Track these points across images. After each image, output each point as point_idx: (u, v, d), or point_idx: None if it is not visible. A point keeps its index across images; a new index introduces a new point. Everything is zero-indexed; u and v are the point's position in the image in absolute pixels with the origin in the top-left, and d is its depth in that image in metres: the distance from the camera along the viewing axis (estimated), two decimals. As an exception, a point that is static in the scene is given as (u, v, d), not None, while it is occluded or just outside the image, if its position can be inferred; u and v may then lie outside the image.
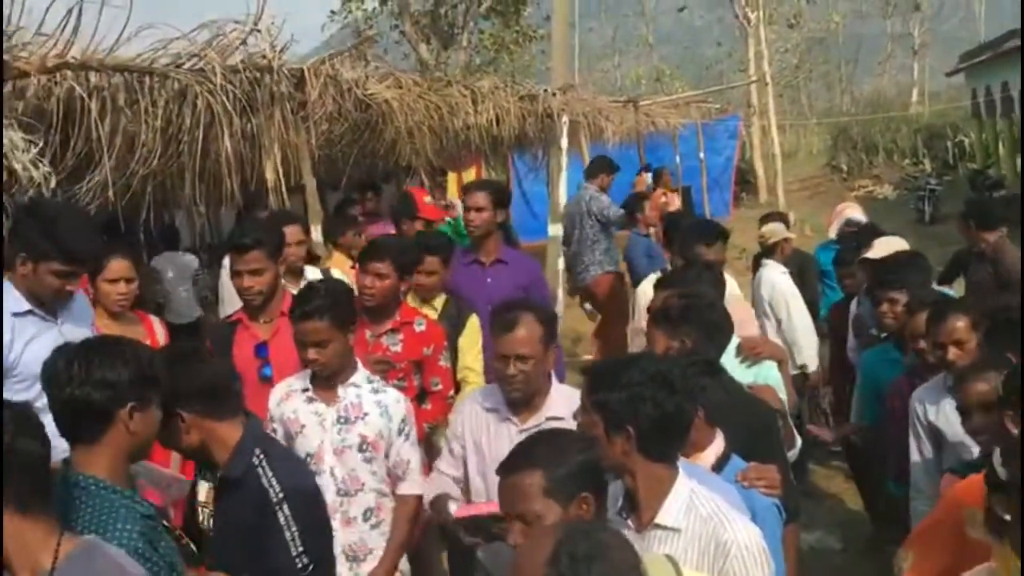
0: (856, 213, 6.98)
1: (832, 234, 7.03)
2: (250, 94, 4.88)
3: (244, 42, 4.81)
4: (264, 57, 4.93)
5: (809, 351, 5.92)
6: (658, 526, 2.30)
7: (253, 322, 3.89)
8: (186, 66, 4.56)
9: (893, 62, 42.50)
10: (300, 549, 2.59)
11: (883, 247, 5.14)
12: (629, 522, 2.34)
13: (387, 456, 3.40)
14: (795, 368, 5.84)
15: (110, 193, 4.09)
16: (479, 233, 4.99)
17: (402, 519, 3.41)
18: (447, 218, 8.13)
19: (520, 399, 3.17)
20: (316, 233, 5.59)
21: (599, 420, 2.31)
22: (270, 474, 2.60)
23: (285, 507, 2.59)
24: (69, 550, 1.96)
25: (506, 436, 3.14)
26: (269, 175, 5.04)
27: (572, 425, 2.57)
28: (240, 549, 2.58)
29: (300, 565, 2.60)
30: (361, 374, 3.44)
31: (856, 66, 44.24)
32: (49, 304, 3.39)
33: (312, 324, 3.29)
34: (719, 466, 2.77)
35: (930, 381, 3.63)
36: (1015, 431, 2.67)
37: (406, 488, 3.41)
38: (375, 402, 3.38)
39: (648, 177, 10.34)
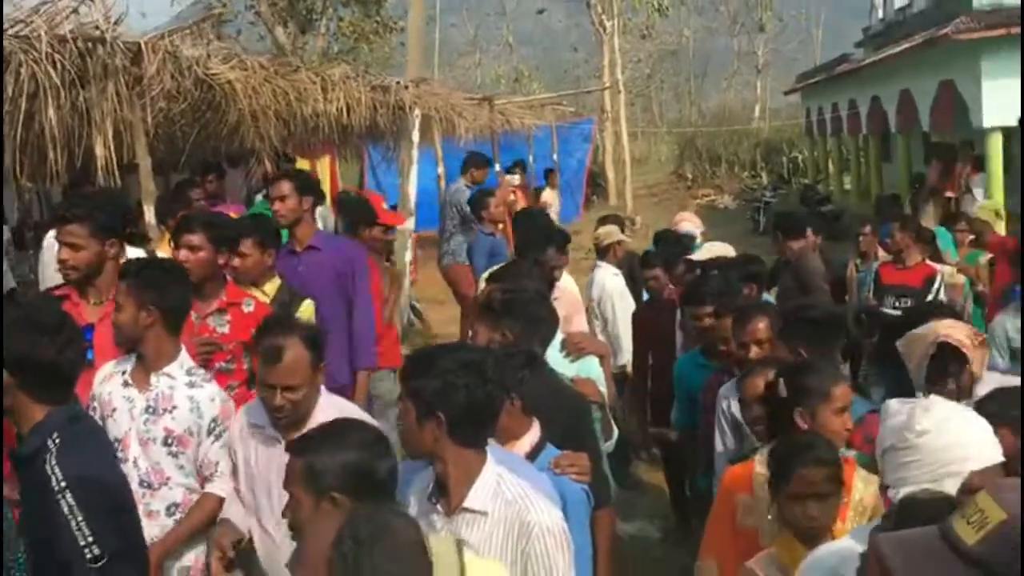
0: (691, 227, 7.26)
1: None
2: (80, 66, 4.69)
3: (76, 11, 4.62)
4: (97, 28, 4.75)
5: (630, 351, 6.18)
6: (466, 510, 2.38)
7: (82, 300, 3.69)
8: (10, 32, 4.35)
9: (739, 78, 44.55)
10: (89, 539, 2.49)
11: (708, 251, 5.43)
12: (439, 507, 2.41)
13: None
14: (616, 367, 6.09)
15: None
16: (286, 222, 4.92)
17: (195, 510, 3.29)
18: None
19: (287, 424, 3.08)
20: (149, 214, 5.42)
21: (411, 407, 2.37)
22: (54, 461, 2.51)
23: (68, 496, 2.49)
24: None
25: (273, 457, 3.04)
26: (99, 151, 4.86)
27: None
28: (32, 535, 2.51)
29: (90, 556, 2.50)
30: (179, 365, 3.32)
31: (704, 80, 46.18)
32: None
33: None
34: (534, 454, 2.88)
35: (734, 379, 3.89)
36: (805, 426, 2.91)
37: (213, 488, 3.29)
38: (188, 396, 3.27)
39: (514, 179, 10.51)
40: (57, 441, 2.54)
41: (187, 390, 3.29)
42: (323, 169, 10.45)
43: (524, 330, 3.22)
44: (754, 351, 3.62)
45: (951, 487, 2.00)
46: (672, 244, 6.35)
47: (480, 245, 7.71)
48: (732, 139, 28.39)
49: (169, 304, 3.30)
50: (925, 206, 12.73)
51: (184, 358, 3.36)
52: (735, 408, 3.80)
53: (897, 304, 6.21)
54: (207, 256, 3.99)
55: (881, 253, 6.97)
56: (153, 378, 3.29)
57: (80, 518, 2.49)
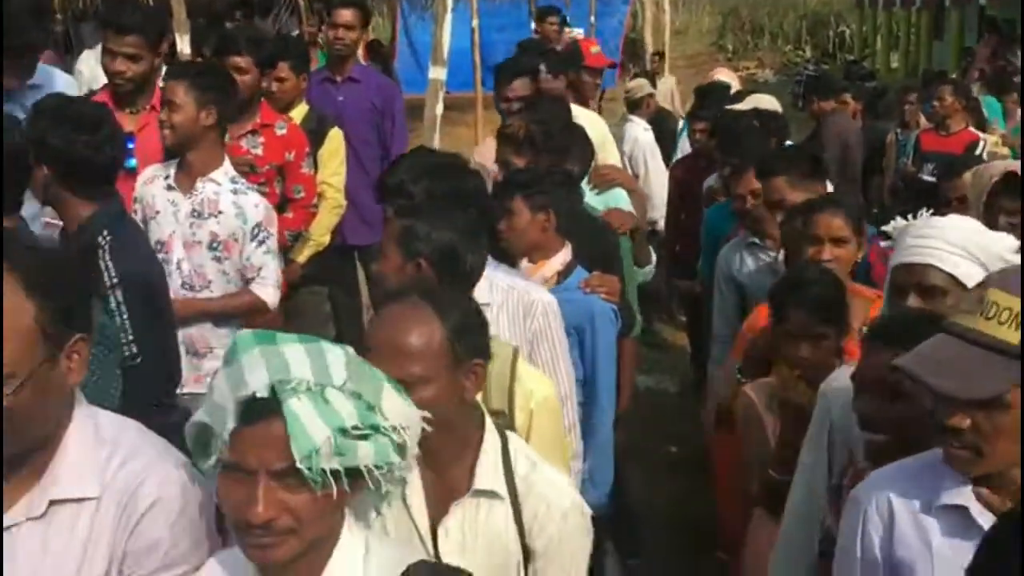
0: (726, 77, 7.11)
1: None
2: None
3: None
4: None
5: (662, 208, 6.12)
6: None
7: (118, 110, 3.63)
8: None
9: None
10: (130, 338, 2.58)
11: (752, 102, 5.28)
12: None
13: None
14: (648, 222, 6.05)
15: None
16: (348, 52, 4.87)
17: (233, 296, 3.35)
18: None
19: None
20: (182, 43, 5.35)
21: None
22: (108, 257, 2.58)
23: (118, 292, 2.58)
24: None
25: None
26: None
27: None
28: None
29: (128, 354, 2.59)
30: (224, 172, 3.36)
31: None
32: None
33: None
34: (566, 273, 2.94)
35: (735, 238, 3.82)
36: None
37: (254, 288, 3.37)
38: (232, 202, 3.32)
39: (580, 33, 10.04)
40: (108, 238, 2.60)
41: (232, 196, 3.33)
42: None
43: (558, 156, 3.20)
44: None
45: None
46: (719, 94, 6.14)
47: None
48: (777, 10, 27.38)
49: (226, 108, 3.32)
50: (971, 83, 12.31)
51: (228, 167, 3.40)
52: (735, 266, 3.68)
53: (935, 172, 6.09)
54: (252, 78, 3.98)
55: (923, 121, 6.81)
56: (199, 183, 3.33)
57: (125, 315, 2.58)
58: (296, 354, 1.36)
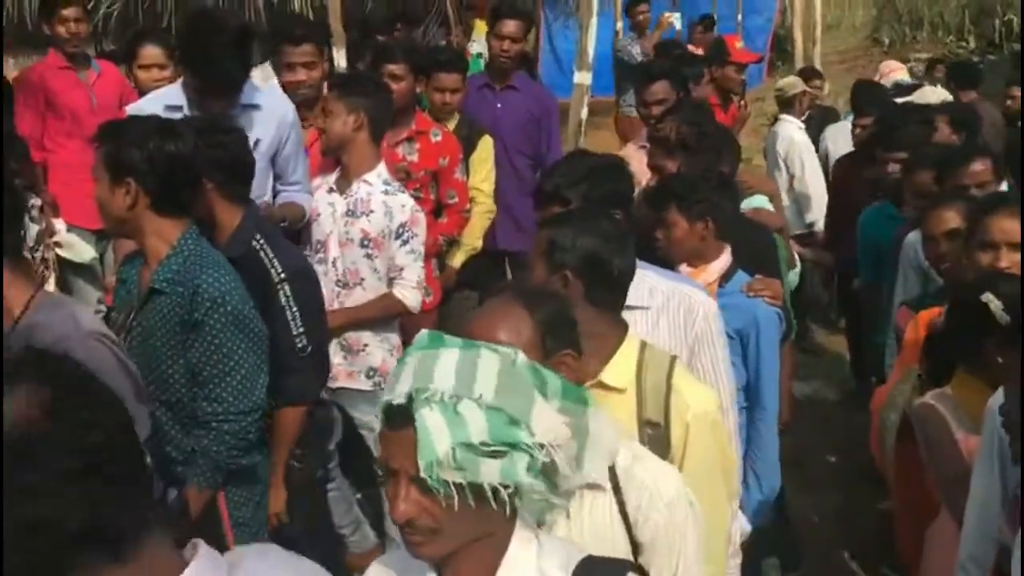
0: (903, 76, 6.83)
1: None
2: None
3: None
4: None
5: (820, 209, 5.91)
6: None
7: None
8: None
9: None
10: (300, 330, 2.71)
11: (925, 95, 5.06)
12: None
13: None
14: (803, 227, 5.85)
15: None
16: (512, 64, 4.92)
17: (376, 301, 3.43)
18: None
19: None
20: (339, 57, 5.54)
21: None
22: (271, 254, 2.71)
23: (287, 287, 2.70)
24: (40, 300, 2.10)
25: None
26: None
27: None
28: None
29: (300, 345, 2.72)
30: (377, 174, 3.47)
31: (911, -65, 42.14)
32: None
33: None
34: (727, 278, 2.89)
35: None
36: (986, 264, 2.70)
37: (395, 290, 3.45)
38: (383, 201, 3.43)
39: (675, 19, 9.86)
40: (261, 240, 2.71)
41: (382, 196, 3.44)
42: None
43: (712, 157, 3.14)
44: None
45: None
46: (881, 90, 5.90)
47: None
48: None
49: (374, 111, 3.44)
50: None
51: (382, 169, 3.50)
52: (922, 256, 3.57)
53: None
54: (408, 85, 4.08)
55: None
56: (354, 184, 3.45)
57: (295, 309, 2.68)
58: (447, 362, 1.38)
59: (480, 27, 11.09)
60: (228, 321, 2.43)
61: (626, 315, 2.21)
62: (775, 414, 2.91)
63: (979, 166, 3.45)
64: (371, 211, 3.42)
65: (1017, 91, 6.65)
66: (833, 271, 5.79)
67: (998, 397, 2.12)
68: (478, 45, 7.50)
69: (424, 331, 1.46)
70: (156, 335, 2.44)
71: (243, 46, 3.11)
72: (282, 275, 2.70)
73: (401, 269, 3.43)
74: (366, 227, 3.42)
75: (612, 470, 1.77)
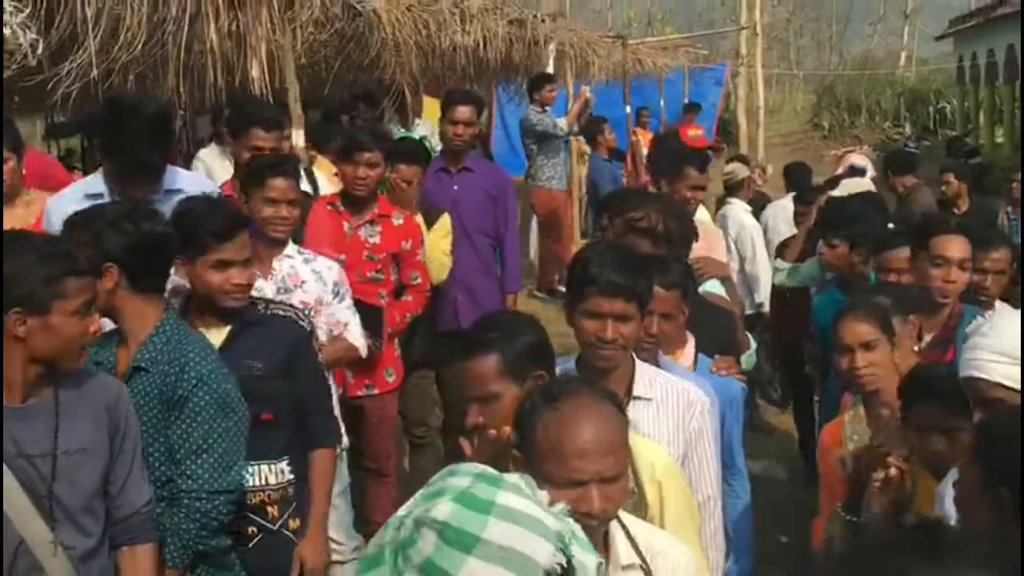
0: (860, 160, 7.09)
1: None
2: (237, -12, 4.86)
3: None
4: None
5: (767, 290, 6.07)
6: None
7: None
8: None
9: (884, 25, 42.28)
10: (325, 374, 3.00)
11: (848, 187, 5.26)
12: None
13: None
14: (753, 307, 5.99)
15: (93, 74, 4.10)
16: (465, 147, 5.04)
17: (330, 344, 3.57)
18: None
19: None
20: (298, 138, 5.60)
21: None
22: (295, 316, 2.99)
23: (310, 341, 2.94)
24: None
25: None
26: (255, 72, 5.04)
27: None
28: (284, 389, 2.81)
29: (328, 385, 3.00)
30: (291, 246, 3.61)
31: (847, 26, 44.01)
32: None
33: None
34: (696, 363, 2.99)
35: None
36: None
37: (346, 335, 3.62)
38: (310, 270, 3.56)
39: (589, 92, 10.09)
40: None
41: (305, 265, 3.58)
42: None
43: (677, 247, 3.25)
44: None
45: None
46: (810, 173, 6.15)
47: (601, 171, 7.71)
48: (874, 87, 27.08)
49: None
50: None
51: (290, 243, 3.65)
52: None
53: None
54: (381, 171, 4.21)
55: (1034, 201, 6.62)
56: (275, 263, 3.55)
57: (319, 359, 2.96)
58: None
59: (431, 105, 11.32)
60: (211, 400, 2.47)
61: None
62: (747, 477, 3.06)
63: (904, 253, 3.62)
64: (303, 281, 3.54)
65: (1018, 177, 7.02)
66: (775, 350, 5.91)
67: (949, 483, 2.20)
68: (422, 128, 7.64)
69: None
70: (138, 414, 2.45)
71: (161, 131, 3.15)
72: (308, 327, 3.01)
73: (346, 324, 3.59)
74: (303, 298, 3.50)
75: (636, 547, 1.85)
